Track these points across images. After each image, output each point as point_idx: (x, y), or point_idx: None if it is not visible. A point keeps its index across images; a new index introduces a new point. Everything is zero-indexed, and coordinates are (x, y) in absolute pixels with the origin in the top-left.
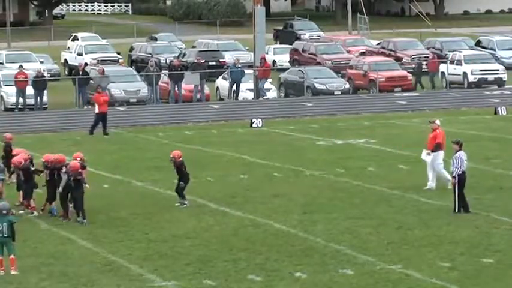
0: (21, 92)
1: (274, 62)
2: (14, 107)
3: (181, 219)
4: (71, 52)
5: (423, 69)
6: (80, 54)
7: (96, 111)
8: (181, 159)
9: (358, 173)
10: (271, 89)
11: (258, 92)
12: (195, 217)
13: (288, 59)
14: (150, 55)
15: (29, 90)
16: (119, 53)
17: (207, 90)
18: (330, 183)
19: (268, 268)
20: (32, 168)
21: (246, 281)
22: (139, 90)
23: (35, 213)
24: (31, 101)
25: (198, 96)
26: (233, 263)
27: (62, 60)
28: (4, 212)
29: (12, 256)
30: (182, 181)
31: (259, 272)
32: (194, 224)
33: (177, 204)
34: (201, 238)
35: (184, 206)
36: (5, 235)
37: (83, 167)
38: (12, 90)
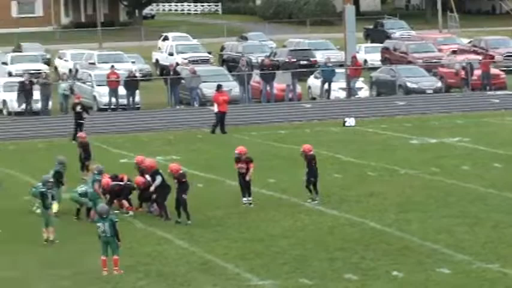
0: (113, 92)
1: (365, 60)
2: (106, 107)
3: (277, 218)
4: (162, 52)
5: None
6: (171, 54)
7: (216, 110)
8: (311, 153)
9: (453, 172)
10: (363, 87)
11: (350, 90)
12: (291, 216)
13: (379, 58)
14: (240, 54)
15: (121, 90)
16: (209, 53)
17: (298, 89)
18: (425, 182)
19: (364, 267)
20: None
21: (343, 280)
22: (231, 89)
23: (131, 213)
24: (123, 101)
25: (290, 95)
26: (329, 262)
27: (153, 60)
28: (104, 216)
29: (115, 256)
30: (311, 177)
31: (355, 271)
32: (290, 223)
33: (309, 200)
34: (296, 237)
35: (315, 202)
36: (108, 235)
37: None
38: (105, 90)
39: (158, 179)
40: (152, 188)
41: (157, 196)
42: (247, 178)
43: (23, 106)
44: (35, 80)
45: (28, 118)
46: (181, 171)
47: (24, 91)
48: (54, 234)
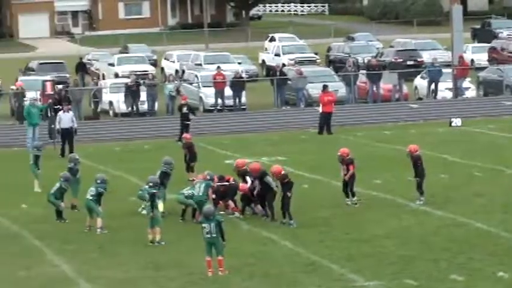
0: (219, 93)
1: (472, 60)
2: (212, 108)
3: (382, 219)
4: (268, 53)
5: None
6: (277, 55)
7: (320, 110)
8: (418, 152)
9: None
10: (470, 87)
11: (457, 91)
12: (396, 217)
13: (486, 58)
14: (347, 55)
15: (227, 91)
16: (316, 53)
17: (405, 89)
18: None
19: (470, 268)
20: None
21: (448, 281)
22: (338, 90)
23: (236, 214)
24: (229, 102)
25: (397, 95)
26: (434, 263)
27: (260, 61)
28: (211, 217)
29: (220, 257)
30: (418, 177)
31: (461, 272)
32: (395, 223)
33: (416, 201)
34: (402, 238)
35: (420, 202)
36: (214, 235)
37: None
38: (211, 91)
39: (269, 180)
40: (257, 190)
41: (267, 197)
42: (346, 178)
43: (130, 108)
44: (141, 82)
45: (134, 119)
46: (283, 173)
47: (131, 92)
48: (160, 236)
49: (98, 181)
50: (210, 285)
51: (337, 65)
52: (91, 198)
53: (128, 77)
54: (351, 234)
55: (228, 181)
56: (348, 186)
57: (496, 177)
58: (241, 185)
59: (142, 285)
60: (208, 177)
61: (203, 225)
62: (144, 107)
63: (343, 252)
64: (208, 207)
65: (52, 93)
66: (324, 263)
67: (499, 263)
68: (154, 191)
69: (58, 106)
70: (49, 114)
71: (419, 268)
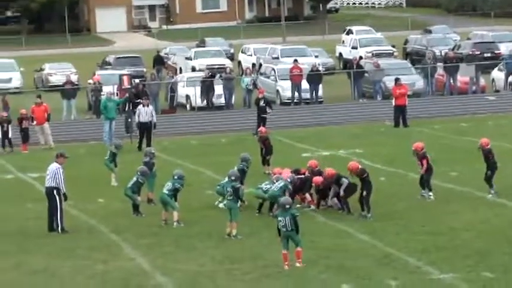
0: (296, 86)
1: None
2: (289, 101)
3: (459, 211)
4: (345, 46)
5: None
6: (354, 48)
7: (394, 103)
8: (489, 146)
9: None
10: None
11: None
12: (473, 209)
13: None
14: (424, 47)
15: (304, 84)
16: (393, 46)
17: (482, 82)
18: None
19: None
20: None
21: None
22: (415, 83)
23: (312, 207)
24: (306, 95)
25: (474, 88)
26: (511, 256)
27: (337, 54)
28: (287, 206)
29: (299, 248)
30: (489, 170)
31: None
32: (471, 216)
33: (486, 194)
34: (478, 230)
35: (491, 195)
36: (289, 228)
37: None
38: (288, 84)
39: (344, 182)
40: (342, 193)
41: (344, 195)
42: (421, 172)
43: (205, 101)
44: (217, 75)
45: (211, 113)
46: (360, 167)
47: (205, 86)
48: (236, 230)
49: (175, 177)
50: (285, 278)
51: (414, 57)
52: (167, 192)
53: (203, 70)
54: (427, 227)
55: (303, 174)
56: (423, 179)
57: None
58: (315, 178)
59: (218, 279)
60: (289, 179)
61: (279, 218)
62: (221, 100)
63: (419, 245)
64: (286, 197)
65: (129, 87)
66: (400, 255)
67: None
68: (238, 185)
69: (136, 100)
70: (126, 109)
71: (496, 261)
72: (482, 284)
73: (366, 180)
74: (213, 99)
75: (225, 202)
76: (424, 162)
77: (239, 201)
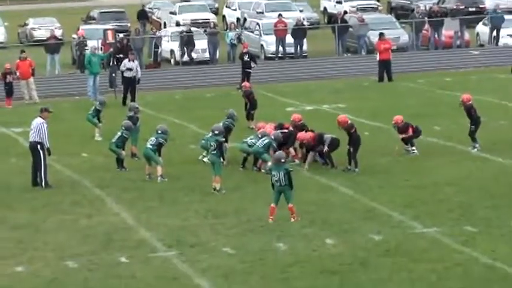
0: (280, 41)
1: None
2: (274, 55)
3: (442, 165)
4: (330, 0)
5: None
6: (339, 2)
7: (378, 58)
8: (470, 102)
9: None
10: None
11: None
12: (456, 163)
13: None
14: (409, 2)
15: (289, 38)
16: (378, 0)
17: (467, 36)
18: None
19: None
20: None
21: (507, 227)
22: (399, 37)
23: (296, 161)
24: (291, 50)
25: (458, 42)
26: (494, 210)
27: (321, 9)
28: (282, 160)
29: (290, 205)
30: (473, 124)
31: None
32: (454, 170)
33: (469, 148)
34: (461, 185)
35: (475, 149)
36: (283, 183)
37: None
38: (272, 39)
39: (327, 138)
40: (325, 149)
41: (327, 150)
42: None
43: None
44: (194, 30)
45: (195, 67)
46: (349, 122)
47: (184, 41)
48: (219, 184)
49: (159, 131)
50: (269, 232)
51: (399, 12)
52: (151, 147)
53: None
54: (411, 181)
55: (287, 129)
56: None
57: None
58: (299, 133)
59: (201, 233)
60: (273, 136)
61: (273, 172)
62: (206, 55)
63: (402, 199)
64: (280, 152)
65: (113, 41)
66: (383, 209)
67: None
68: (221, 139)
69: (120, 55)
70: (110, 63)
71: (478, 215)
72: (465, 238)
73: (353, 135)
74: (193, 53)
75: (208, 156)
76: (410, 131)
77: (221, 158)
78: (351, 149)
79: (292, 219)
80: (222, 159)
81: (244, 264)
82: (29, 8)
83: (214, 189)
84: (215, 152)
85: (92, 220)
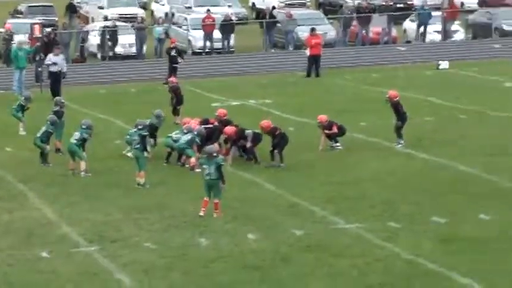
0: (208, 36)
1: (462, 3)
2: (201, 50)
3: (366, 161)
4: None
5: None
6: None
7: (308, 53)
8: (397, 99)
9: None
10: (458, 30)
11: (446, 33)
12: (380, 159)
13: (476, 1)
14: None
15: (217, 34)
16: None
17: (394, 32)
18: None
19: (452, 210)
20: None
21: (430, 223)
22: (327, 33)
23: (221, 156)
24: (218, 45)
25: (385, 38)
26: (417, 206)
27: (250, 4)
28: (214, 154)
29: (216, 200)
30: (399, 121)
31: (444, 214)
32: (378, 166)
33: (394, 144)
34: (385, 180)
35: (399, 145)
36: (213, 177)
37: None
38: (200, 34)
39: (249, 134)
40: (248, 144)
41: (251, 146)
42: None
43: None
44: (121, 24)
45: (121, 62)
46: (272, 126)
47: (109, 36)
48: (143, 179)
49: (84, 126)
50: (192, 228)
51: (327, 7)
52: (75, 142)
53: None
54: (334, 177)
55: (212, 124)
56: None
57: (481, 120)
58: (226, 128)
59: (124, 228)
60: (196, 132)
61: (203, 166)
62: (133, 50)
63: (325, 195)
64: (211, 146)
65: (40, 36)
66: (306, 205)
67: (481, 205)
68: (145, 133)
69: (46, 49)
70: (36, 58)
71: (401, 211)
72: (388, 234)
73: (278, 136)
74: (119, 48)
75: (132, 151)
76: (334, 127)
77: (145, 151)
78: (276, 150)
79: (215, 215)
80: (146, 153)
81: (165, 259)
82: None
83: (138, 184)
84: (138, 146)
85: (13, 215)
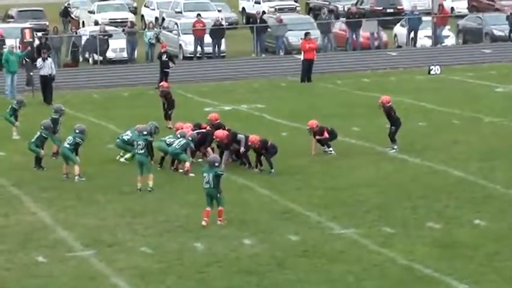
0: (199, 41)
1: (452, 8)
2: (192, 55)
3: (360, 166)
4: (248, 0)
5: None
6: (257, 3)
7: (302, 58)
8: (390, 104)
9: None
10: (449, 35)
11: (436, 38)
12: (374, 165)
13: (466, 6)
14: (327, 2)
15: (207, 38)
16: (296, 1)
17: (384, 37)
18: (510, 131)
19: (447, 215)
20: None
21: (425, 229)
22: (317, 38)
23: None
24: (209, 50)
25: (376, 43)
26: (412, 211)
27: (240, 9)
28: (216, 164)
29: (220, 208)
30: (393, 126)
31: (438, 220)
32: (373, 171)
33: (387, 149)
34: (379, 185)
35: (393, 150)
36: (211, 186)
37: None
38: (190, 38)
39: (242, 138)
40: (242, 149)
41: (244, 151)
42: (323, 147)
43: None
44: (112, 29)
45: (113, 67)
46: (261, 140)
47: (98, 42)
48: (152, 181)
49: (77, 131)
50: (186, 233)
51: (317, 12)
52: (68, 146)
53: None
54: (328, 182)
55: (205, 129)
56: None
57: (473, 125)
58: (216, 132)
59: (119, 233)
60: (190, 138)
61: (204, 174)
62: (124, 54)
63: (320, 200)
64: (214, 156)
65: (31, 40)
66: (301, 210)
67: (476, 210)
68: (151, 139)
69: (37, 54)
70: (26, 62)
71: (396, 216)
72: (383, 239)
73: (269, 147)
74: (107, 53)
75: (126, 156)
76: (325, 133)
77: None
78: (266, 156)
79: (219, 223)
80: (150, 159)
81: (161, 264)
82: None
83: (140, 189)
84: (143, 151)
85: (8, 219)
